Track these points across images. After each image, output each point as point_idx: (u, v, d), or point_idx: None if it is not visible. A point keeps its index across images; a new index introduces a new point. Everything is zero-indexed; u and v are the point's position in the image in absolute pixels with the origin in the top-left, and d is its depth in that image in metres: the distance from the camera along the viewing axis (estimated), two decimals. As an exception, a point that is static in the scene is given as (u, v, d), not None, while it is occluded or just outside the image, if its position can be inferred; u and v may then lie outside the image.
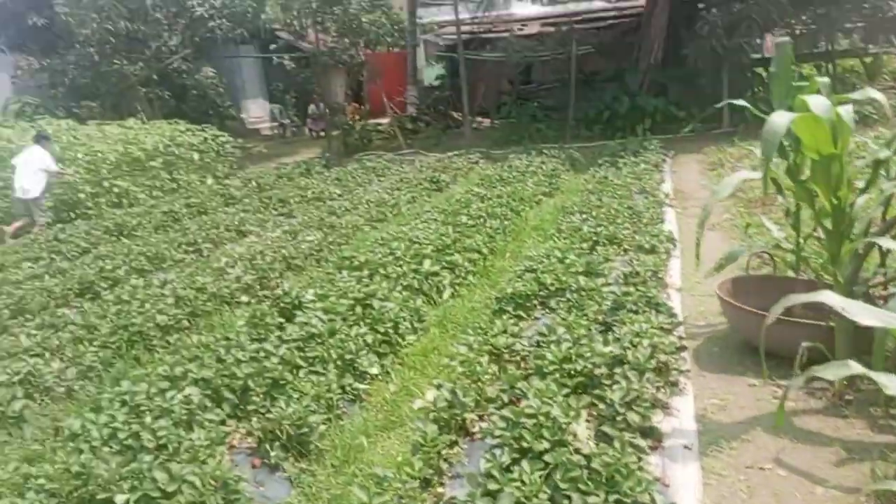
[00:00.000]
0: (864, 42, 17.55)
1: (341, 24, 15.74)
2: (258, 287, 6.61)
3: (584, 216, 8.38)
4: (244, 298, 6.33)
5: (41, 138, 10.79)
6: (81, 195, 11.19)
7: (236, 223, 9.45)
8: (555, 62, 18.21)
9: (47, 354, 4.85)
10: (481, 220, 8.19)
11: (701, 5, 16.24)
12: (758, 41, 16.21)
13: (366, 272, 6.13)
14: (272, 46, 21.88)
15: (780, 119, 3.75)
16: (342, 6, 15.76)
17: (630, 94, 16.19)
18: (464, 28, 21.22)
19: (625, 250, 6.87)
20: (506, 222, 8.24)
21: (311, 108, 21.43)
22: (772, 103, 4.76)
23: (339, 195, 11.93)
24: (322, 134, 19.92)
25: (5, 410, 4.05)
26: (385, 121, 19.58)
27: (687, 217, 8.73)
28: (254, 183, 13.39)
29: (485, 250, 7.08)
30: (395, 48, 19.84)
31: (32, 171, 10.29)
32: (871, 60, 17.51)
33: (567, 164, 13.25)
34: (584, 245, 6.80)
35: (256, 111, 24.05)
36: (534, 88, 20.78)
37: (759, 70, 17.21)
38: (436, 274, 6.03)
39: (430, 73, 25.76)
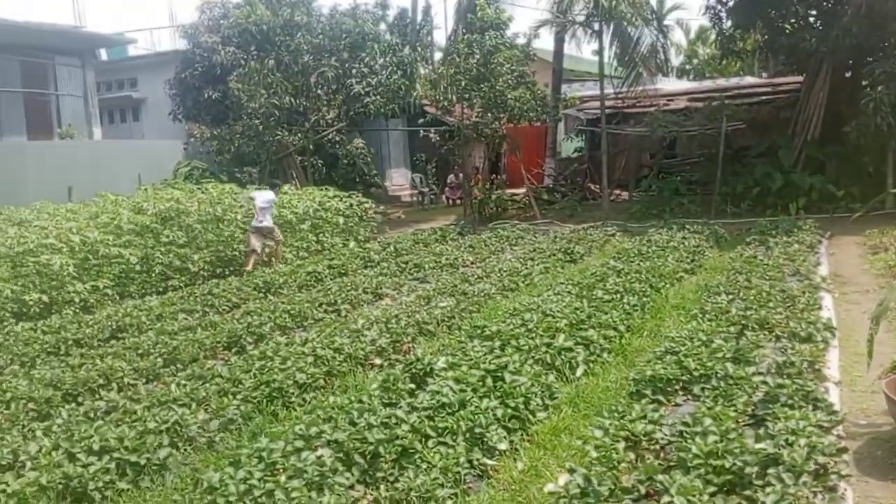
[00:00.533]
0: None
1: (487, 100, 16.21)
2: (391, 350, 6.71)
3: (731, 297, 7.91)
4: (378, 361, 6.44)
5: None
6: (235, 252, 12.02)
7: (374, 286, 9.74)
8: (701, 137, 17.72)
9: (194, 405, 5.12)
10: (618, 295, 7.93)
11: (865, 82, 15.31)
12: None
13: (497, 343, 6.06)
14: (420, 121, 22.97)
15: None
16: (489, 83, 16.28)
17: (783, 171, 15.37)
18: (608, 102, 21.33)
19: (777, 337, 6.37)
20: (644, 299, 7.91)
21: (451, 177, 22.11)
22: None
23: (472, 262, 12.06)
24: (459, 202, 20.40)
25: (151, 457, 4.27)
26: (521, 191, 19.77)
27: (847, 304, 8.00)
28: (392, 247, 13.84)
29: (621, 327, 6.80)
30: (537, 122, 20.14)
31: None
32: None
33: (711, 240, 12.66)
34: (732, 329, 6.36)
35: (399, 179, 25.12)
36: (677, 162, 20.28)
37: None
38: (569, 349, 5.85)
39: (568, 147, 25.92)
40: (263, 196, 12.64)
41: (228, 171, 21.47)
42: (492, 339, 6.22)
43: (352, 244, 14.74)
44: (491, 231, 15.51)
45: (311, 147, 19.69)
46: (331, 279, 11.12)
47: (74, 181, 17.05)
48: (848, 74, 17.01)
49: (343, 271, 11.70)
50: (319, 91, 19.82)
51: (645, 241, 12.31)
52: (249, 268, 11.81)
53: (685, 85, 27.78)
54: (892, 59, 14.34)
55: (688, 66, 43.16)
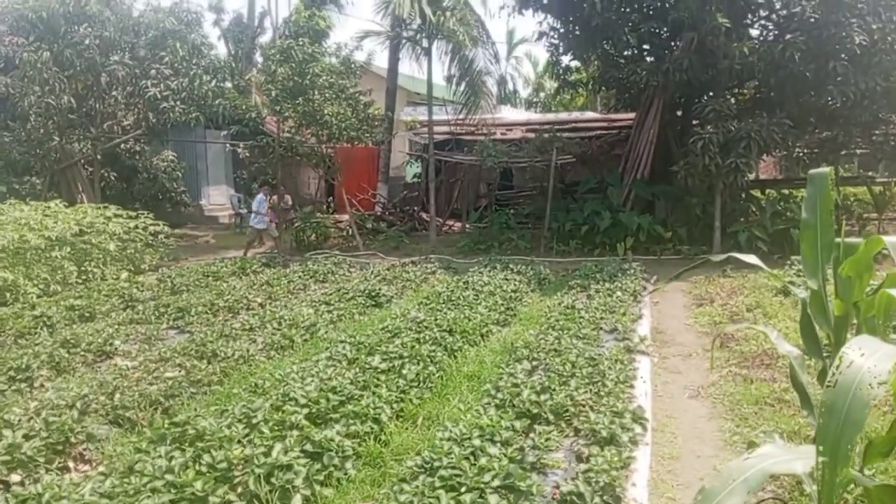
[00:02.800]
0: (869, 169, 16.30)
1: (302, 115, 14.30)
2: (41, 461, 4.58)
3: (534, 364, 6.54)
4: (14, 478, 4.32)
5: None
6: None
7: (101, 341, 7.49)
8: (533, 169, 16.86)
9: None
10: (400, 361, 6.29)
11: (695, 122, 15.05)
12: (753, 163, 14.80)
13: (189, 454, 4.17)
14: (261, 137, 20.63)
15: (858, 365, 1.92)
16: (306, 96, 14.39)
17: (612, 209, 14.69)
18: (443, 129, 20.13)
19: (576, 431, 4.96)
20: (431, 368, 6.33)
21: (273, 199, 19.88)
22: (803, 261, 3.00)
23: (260, 304, 10.08)
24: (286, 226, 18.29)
25: None
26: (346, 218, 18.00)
27: (666, 373, 6.85)
28: (170, 282, 11.54)
29: (385, 416, 5.12)
30: (365, 144, 18.54)
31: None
32: (880, 190, 16.12)
33: (533, 282, 11.49)
34: (519, 423, 4.87)
35: (219, 198, 22.53)
36: (512, 194, 19.39)
37: (755, 192, 15.95)
38: (289, 467, 4.05)
39: (411, 171, 24.57)
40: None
41: (6, 182, 18.03)
42: (185, 448, 4.31)
43: (124, 275, 12.23)
44: (303, 263, 13.57)
45: (99, 157, 16.79)
46: (66, 324, 8.71)
47: None
48: (679, 112, 16.85)
49: (88, 314, 9.29)
50: (115, 93, 17.06)
51: (462, 282, 10.92)
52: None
53: (527, 116, 27.43)
54: (721, 97, 14.08)
55: (535, 99, 43.60)
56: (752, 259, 3.34)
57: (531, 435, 4.86)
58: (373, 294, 10.20)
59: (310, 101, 14.30)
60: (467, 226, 17.93)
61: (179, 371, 6.33)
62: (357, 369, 6.14)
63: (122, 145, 18.43)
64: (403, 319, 8.29)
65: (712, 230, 14.18)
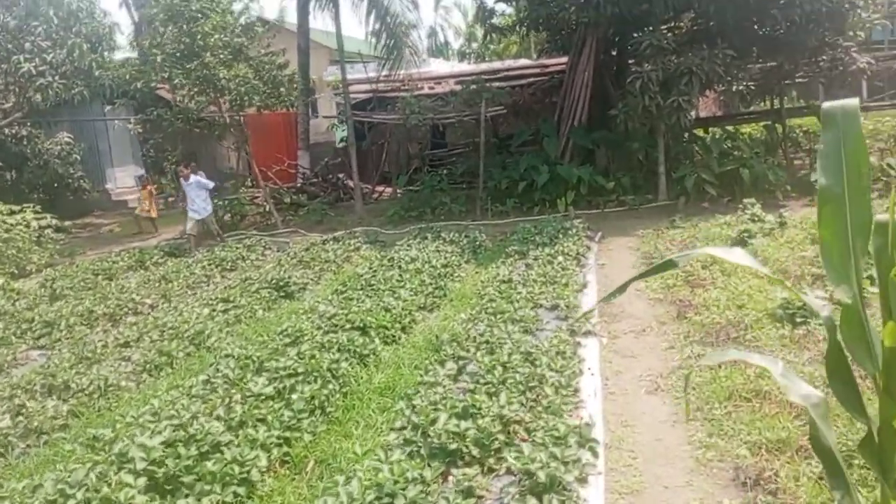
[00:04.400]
0: (810, 98, 15.48)
1: (194, 80, 12.58)
2: None
3: (461, 365, 5.38)
4: None
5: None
6: None
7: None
8: (465, 124, 15.51)
9: None
10: (293, 381, 5.02)
11: (632, 60, 13.89)
12: (695, 100, 13.75)
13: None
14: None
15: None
16: (200, 59, 12.63)
17: (549, 162, 13.51)
18: (364, 87, 18.54)
19: (508, 469, 3.80)
20: (332, 385, 5.08)
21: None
22: (823, 256, 1.81)
23: (150, 306, 8.66)
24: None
25: None
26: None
27: (618, 358, 5.76)
28: (51, 285, 9.97)
29: (256, 472, 3.86)
30: (286, 108, 16.86)
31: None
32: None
33: (468, 252, 10.29)
34: (432, 469, 3.68)
35: (127, 181, 20.55)
36: (444, 153, 18.04)
37: (698, 132, 15.00)
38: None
39: (339, 136, 22.92)
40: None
41: None
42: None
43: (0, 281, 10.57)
44: (213, 249, 12.08)
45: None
46: None
47: None
48: (614, 52, 15.67)
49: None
50: (-15, 72, 14.94)
51: (388, 259, 9.65)
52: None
53: (458, 68, 25.90)
54: (658, 31, 12.91)
55: (467, 51, 41.90)
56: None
57: (448, 481, 3.69)
58: (282, 283, 8.85)
59: (204, 66, 12.58)
60: (398, 191, 16.57)
61: (12, 419, 4.94)
62: (237, 397, 4.86)
63: (6, 130, 16.33)
64: (311, 316, 7.01)
65: (657, 176, 13.17)
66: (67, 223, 16.00)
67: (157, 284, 9.66)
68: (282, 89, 14.53)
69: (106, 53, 14.55)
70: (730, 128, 15.63)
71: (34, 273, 11.90)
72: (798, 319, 5.82)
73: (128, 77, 13.16)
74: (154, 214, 15.28)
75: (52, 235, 13.04)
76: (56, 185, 17.25)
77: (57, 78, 13.88)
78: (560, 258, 8.68)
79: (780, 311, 6.00)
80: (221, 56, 12.56)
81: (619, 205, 13.02)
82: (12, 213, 12.26)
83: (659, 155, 13.15)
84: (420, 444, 4.01)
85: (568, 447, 3.81)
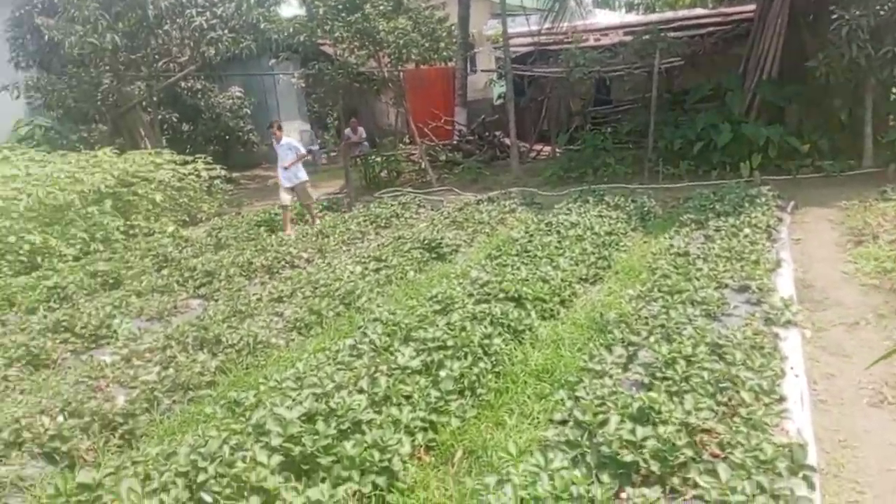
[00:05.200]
0: None
1: (354, 34, 12.40)
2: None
3: (631, 353, 4.65)
4: None
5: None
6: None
7: (97, 322, 6.19)
8: (634, 78, 14.26)
9: None
10: (441, 356, 4.55)
11: (833, 6, 11.99)
12: None
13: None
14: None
15: None
16: (361, 12, 12.42)
17: (731, 120, 12.06)
18: (528, 40, 17.67)
19: (698, 497, 3.08)
20: (483, 364, 4.55)
21: (347, 131, 18.31)
22: None
23: (306, 261, 8.61)
24: (360, 163, 16.67)
25: None
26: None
27: (827, 357, 4.77)
28: (216, 235, 10.30)
29: (397, 460, 3.42)
30: (444, 63, 16.43)
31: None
32: None
33: (635, 219, 9.37)
34: (602, 486, 3.04)
35: (292, 134, 21.20)
36: (610, 110, 16.84)
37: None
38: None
39: (497, 92, 22.27)
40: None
41: (75, 131, 17.42)
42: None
43: (170, 229, 11.09)
44: (368, 205, 12.01)
45: (153, 98, 15.67)
46: (83, 296, 7.56)
47: None
48: (813, -5, 13.63)
49: (113, 280, 8.14)
50: (166, 27, 15.75)
51: (545, 223, 8.98)
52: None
53: (626, 19, 24.16)
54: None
55: (636, 1, 39.26)
56: None
57: (619, 500, 3.04)
58: (434, 244, 8.45)
59: (364, 18, 12.34)
60: (557, 150, 15.69)
61: (162, 371, 4.88)
62: (383, 368, 4.47)
63: (183, 84, 17.27)
64: (462, 281, 6.53)
65: (862, 139, 11.35)
66: (236, 174, 16.75)
67: (314, 239, 9.65)
68: (441, 43, 14.06)
69: (272, 8, 14.80)
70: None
71: (203, 222, 12.46)
72: None
73: (291, 30, 13.25)
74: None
75: (222, 186, 13.60)
76: (227, 137, 18.08)
77: (226, 31, 14.31)
78: (747, 230, 7.55)
79: None
80: (381, 8, 12.26)
81: (814, 171, 11.37)
82: (185, 163, 12.84)
83: (866, 114, 11.31)
84: (586, 450, 3.38)
85: (777, 474, 3.02)
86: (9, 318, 6.77)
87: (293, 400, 3.96)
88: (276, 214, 11.68)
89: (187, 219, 12.30)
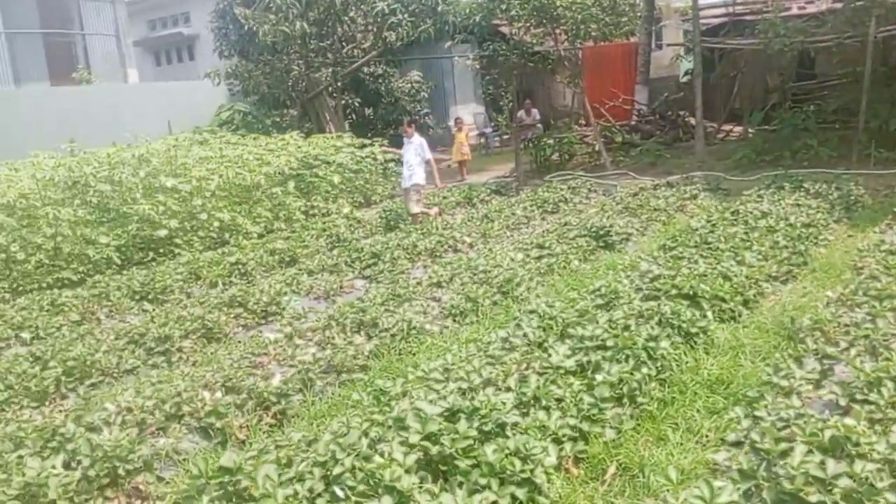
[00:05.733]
0: None
1: (531, 11, 12.04)
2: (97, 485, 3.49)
3: (826, 366, 3.99)
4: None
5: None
6: (163, 231, 9.14)
7: (268, 299, 6.48)
8: (844, 49, 12.55)
9: None
10: (599, 357, 4.18)
11: None
12: None
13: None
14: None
15: None
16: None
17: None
18: (721, 11, 16.27)
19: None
20: (645, 370, 4.09)
21: (520, 114, 18.05)
22: None
23: (469, 246, 8.50)
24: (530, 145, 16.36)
25: None
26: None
27: None
28: (386, 217, 10.55)
29: (541, 472, 3.13)
30: (626, 38, 15.61)
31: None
32: None
33: (839, 209, 8.23)
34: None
35: (467, 118, 21.33)
36: (814, 86, 15.04)
37: None
38: None
39: (684, 68, 20.82)
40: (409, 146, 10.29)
41: (269, 116, 18.81)
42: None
43: (345, 210, 11.51)
44: (536, 189, 11.69)
45: (338, 83, 16.38)
46: (262, 272, 8.04)
47: (87, 131, 14.82)
48: None
49: (289, 258, 8.58)
50: (351, 14, 16.40)
51: (731, 211, 8.15)
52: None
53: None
54: None
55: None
56: None
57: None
58: (603, 232, 7.96)
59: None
60: (750, 131, 14.31)
61: (315, 353, 4.97)
62: (535, 365, 4.19)
63: (365, 69, 17.91)
64: (630, 274, 6.05)
65: None
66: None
67: (478, 223, 9.52)
68: (623, 17, 13.30)
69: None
70: None
71: (377, 203, 12.82)
72: None
73: (468, 11, 13.19)
74: (468, 157, 15.24)
75: (397, 169, 13.91)
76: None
77: (406, 16, 14.56)
78: (983, 226, 6.31)
79: None
80: (558, -18, 11.80)
81: None
82: (363, 146, 13.28)
83: None
84: (763, 483, 2.88)
85: None
86: (193, 291, 7.33)
87: (437, 393, 3.80)
88: (443, 198, 11.71)
89: (363, 200, 12.72)
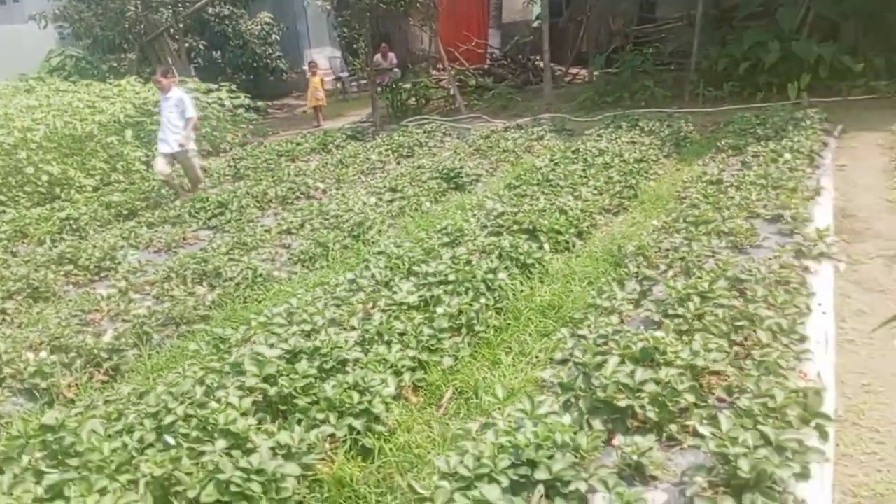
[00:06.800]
0: None
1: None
2: None
3: (645, 287, 4.33)
4: None
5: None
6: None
7: (101, 253, 6.10)
8: (679, -7, 13.30)
9: None
10: (441, 291, 4.30)
11: None
12: None
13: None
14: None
15: None
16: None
17: (781, 38, 11.17)
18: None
19: (695, 446, 2.80)
20: (483, 300, 4.28)
21: (377, 57, 17.75)
22: None
23: (322, 192, 8.38)
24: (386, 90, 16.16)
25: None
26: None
27: (860, 292, 4.37)
28: (235, 166, 10.17)
29: (379, 402, 3.22)
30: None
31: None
32: None
33: (669, 145, 8.84)
34: (596, 424, 2.79)
35: (322, 62, 20.71)
36: (653, 29, 15.84)
37: None
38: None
39: (535, 12, 21.19)
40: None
41: (105, 61, 17.31)
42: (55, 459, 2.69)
43: (193, 161, 10.92)
44: (391, 134, 11.64)
45: (180, 25, 15.34)
46: (96, 228, 7.53)
47: None
48: None
49: (127, 211, 8.09)
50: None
51: (572, 150, 8.52)
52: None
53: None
54: None
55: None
56: None
57: (611, 447, 2.80)
58: (454, 174, 8.11)
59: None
60: (595, 74, 14.93)
61: (155, 304, 4.77)
62: (380, 303, 4.25)
63: (210, 9, 16.85)
64: (476, 212, 6.23)
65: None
66: (265, 104, 16.46)
67: (332, 168, 9.39)
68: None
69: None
70: None
71: (226, 152, 12.29)
72: None
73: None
74: (323, 102, 14.89)
75: (246, 115, 13.35)
76: (256, 66, 17.72)
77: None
78: (787, 155, 7.00)
79: None
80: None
81: (867, 91, 10.53)
82: (209, 91, 12.60)
83: (932, 28, 10.34)
84: (580, 393, 3.12)
85: (787, 423, 2.72)
86: (19, 250, 6.77)
87: (279, 337, 3.78)
88: (297, 144, 11.42)
89: (210, 149, 12.14)
